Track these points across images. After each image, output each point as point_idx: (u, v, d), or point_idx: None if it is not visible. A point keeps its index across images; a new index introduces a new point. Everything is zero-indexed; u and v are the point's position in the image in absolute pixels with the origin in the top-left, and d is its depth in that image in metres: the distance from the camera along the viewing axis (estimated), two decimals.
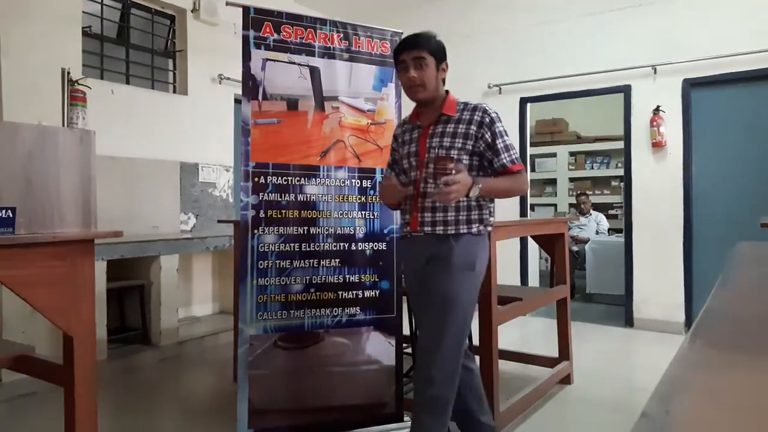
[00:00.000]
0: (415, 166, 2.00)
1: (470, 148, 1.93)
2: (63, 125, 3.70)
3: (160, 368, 3.75)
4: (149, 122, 4.39)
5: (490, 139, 1.93)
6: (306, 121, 2.54)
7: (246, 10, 2.47)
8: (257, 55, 2.47)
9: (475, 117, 1.94)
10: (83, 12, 4.05)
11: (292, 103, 2.52)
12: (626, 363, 4.03)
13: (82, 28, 4.02)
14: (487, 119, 1.94)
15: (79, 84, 3.80)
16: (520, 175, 1.98)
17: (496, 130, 1.94)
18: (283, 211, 2.46)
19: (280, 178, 2.47)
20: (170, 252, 4.03)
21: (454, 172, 1.79)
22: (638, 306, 4.82)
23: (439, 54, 1.98)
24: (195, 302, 4.94)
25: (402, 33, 2.76)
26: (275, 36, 2.50)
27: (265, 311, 2.42)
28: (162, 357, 3.92)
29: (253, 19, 2.47)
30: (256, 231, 2.41)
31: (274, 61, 2.50)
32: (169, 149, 4.54)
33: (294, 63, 2.53)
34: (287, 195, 2.47)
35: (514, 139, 5.39)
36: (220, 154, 5.00)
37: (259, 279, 2.41)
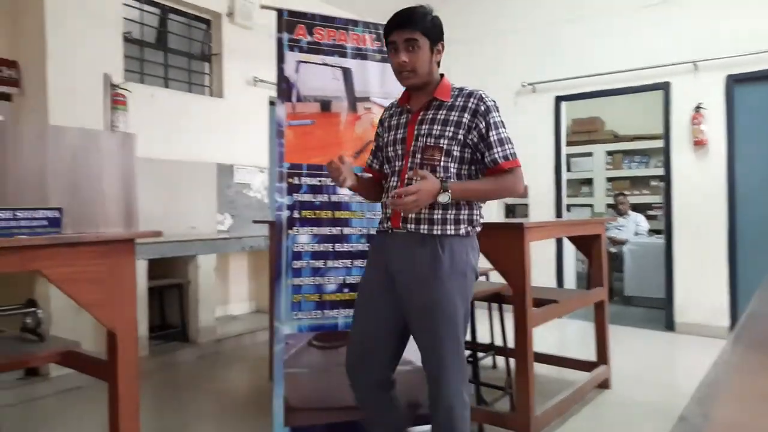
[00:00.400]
0: (400, 155, 1.80)
1: (462, 138, 1.73)
2: (105, 128, 3.83)
3: (199, 365, 3.84)
4: (187, 125, 4.50)
5: (484, 130, 1.72)
6: (339, 122, 2.56)
7: (280, 13, 2.50)
8: (291, 57, 2.50)
9: (470, 104, 1.74)
10: (124, 18, 4.19)
11: (326, 105, 2.55)
12: (667, 368, 3.92)
13: (123, 33, 4.15)
14: (483, 107, 1.73)
15: (120, 88, 3.92)
16: (512, 174, 1.75)
17: (492, 120, 1.73)
18: (317, 212, 2.49)
19: (313, 178, 2.49)
20: (207, 252, 4.13)
21: (414, 179, 1.63)
22: (680, 309, 4.68)
23: (434, 34, 1.75)
24: (232, 301, 5.04)
25: None
26: (308, 38, 2.53)
27: (300, 310, 2.45)
28: (200, 354, 4.01)
29: (287, 21, 2.51)
30: (290, 231, 2.44)
31: (308, 63, 2.53)
32: (205, 151, 4.64)
33: (327, 65, 2.55)
34: (321, 195, 2.50)
35: (547, 138, 5.33)
36: (255, 155, 5.09)
37: (294, 278, 2.44)
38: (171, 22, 4.71)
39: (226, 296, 4.97)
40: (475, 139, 1.74)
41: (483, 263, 2.70)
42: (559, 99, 5.32)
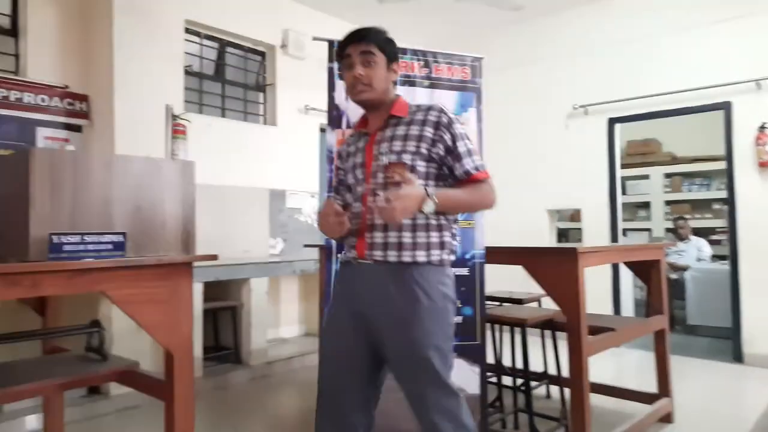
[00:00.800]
0: (362, 180, 1.67)
1: (426, 152, 1.61)
2: (166, 156, 4.02)
3: (251, 387, 3.90)
4: (242, 152, 4.67)
5: (450, 142, 1.61)
6: None
7: (330, 43, 2.58)
8: (341, 86, 2.56)
9: (430, 117, 1.63)
10: (185, 53, 4.42)
11: None
12: (734, 401, 3.67)
13: (184, 67, 4.38)
14: (445, 119, 1.63)
15: (180, 118, 4.12)
16: (485, 185, 1.63)
17: (457, 132, 1.63)
18: None
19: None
20: (260, 275, 4.22)
21: (402, 182, 1.50)
22: (748, 340, 4.40)
23: (391, 51, 1.69)
24: (283, 323, 5.11)
25: (483, 58, 2.77)
26: None
27: None
28: (252, 376, 4.07)
29: (338, 52, 2.57)
30: (338, 255, 2.47)
31: None
32: (259, 177, 4.79)
33: None
34: None
35: (601, 161, 5.19)
36: (306, 181, 5.20)
37: None
38: (228, 54, 4.93)
39: (278, 319, 5.05)
40: (441, 152, 1.62)
41: (534, 288, 2.64)
42: (612, 121, 5.19)
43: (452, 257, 1.67)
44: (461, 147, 1.62)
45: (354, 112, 2.56)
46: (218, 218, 4.40)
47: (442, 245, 1.62)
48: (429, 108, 1.66)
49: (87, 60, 4.02)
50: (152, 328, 1.80)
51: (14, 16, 3.79)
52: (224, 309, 4.25)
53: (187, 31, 4.47)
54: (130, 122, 3.91)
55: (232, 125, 4.71)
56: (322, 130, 5.18)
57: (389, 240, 1.58)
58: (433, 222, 1.60)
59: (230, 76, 4.97)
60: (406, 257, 1.57)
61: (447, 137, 1.61)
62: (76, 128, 3.95)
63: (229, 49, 4.93)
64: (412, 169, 1.58)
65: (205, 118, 4.52)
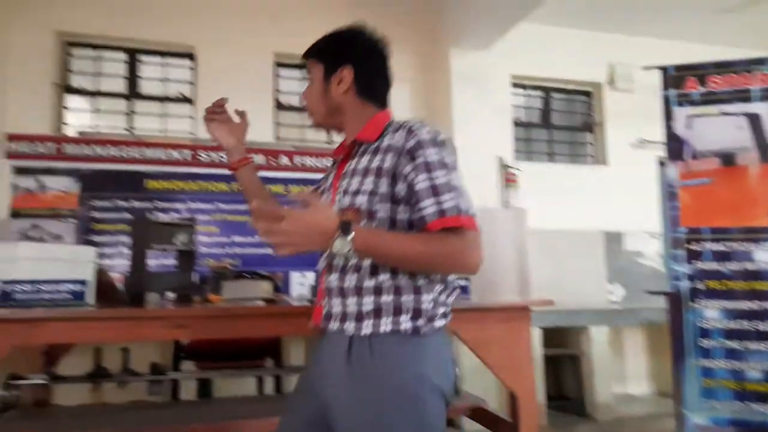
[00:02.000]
0: None
1: (387, 191, 1.13)
2: (500, 205, 4.29)
3: None
4: (571, 195, 4.63)
5: (411, 174, 1.11)
6: (746, 177, 2.19)
7: (664, 70, 2.38)
8: (680, 113, 2.32)
9: (395, 141, 1.15)
10: (512, 105, 4.71)
11: (728, 159, 2.23)
12: None
13: (512, 119, 4.66)
14: (412, 142, 1.12)
15: (511, 168, 4.37)
16: (458, 236, 1.08)
17: (421, 159, 1.11)
18: (727, 282, 2.14)
19: (718, 243, 2.17)
20: (598, 323, 4.01)
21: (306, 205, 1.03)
22: None
23: (330, 55, 1.26)
24: (629, 378, 4.69)
25: None
26: (700, 89, 2.30)
27: (714, 398, 2.10)
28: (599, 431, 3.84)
29: (673, 77, 2.35)
30: (692, 304, 2.17)
31: (701, 116, 2.29)
32: (591, 219, 4.63)
33: (726, 114, 2.26)
34: (731, 263, 2.15)
35: None
36: (644, 221, 4.76)
37: (703, 360, 2.13)
38: (553, 100, 5.03)
39: (622, 372, 4.66)
40: (404, 191, 1.13)
41: None
42: None
43: (437, 324, 1.14)
44: (422, 182, 1.10)
45: (699, 140, 2.27)
46: (552, 263, 4.41)
47: (416, 311, 1.12)
48: (400, 126, 1.18)
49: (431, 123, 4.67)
50: (497, 368, 1.91)
51: None
52: (564, 357, 4.17)
53: (514, 85, 4.76)
54: (468, 175, 4.31)
55: (560, 169, 4.73)
56: (661, 164, 4.71)
57: (348, 306, 1.15)
58: (401, 277, 1.13)
59: (556, 121, 5.04)
60: (364, 329, 1.12)
61: (408, 168, 1.12)
62: None
63: (554, 95, 5.03)
64: (370, 214, 1.13)
65: (534, 165, 4.67)
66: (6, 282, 1.58)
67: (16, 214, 3.50)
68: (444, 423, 1.13)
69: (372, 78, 1.28)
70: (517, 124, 4.79)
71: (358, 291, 1.14)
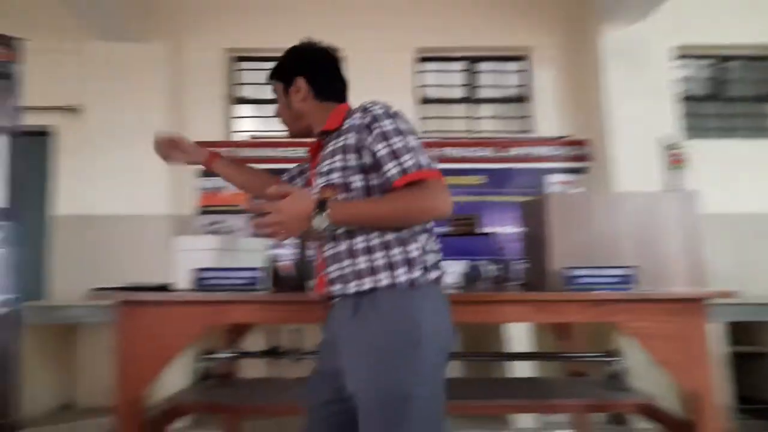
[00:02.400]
0: None
1: (356, 164, 1.31)
2: (664, 189, 3.89)
3: None
4: (754, 173, 4.07)
5: (371, 145, 1.30)
6: None
7: None
8: None
9: (355, 121, 1.33)
10: (675, 79, 4.24)
11: None
12: None
13: (676, 94, 4.20)
14: (368, 118, 1.31)
15: (676, 147, 3.95)
16: (419, 187, 1.25)
17: (378, 131, 1.30)
18: None
19: None
20: None
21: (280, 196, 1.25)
22: None
23: (284, 72, 1.48)
24: None
25: None
26: None
27: None
28: None
29: None
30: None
31: None
32: None
33: None
34: None
35: None
36: None
37: None
38: (727, 70, 4.43)
39: None
40: (370, 161, 1.31)
41: None
42: None
43: (432, 275, 1.31)
44: (382, 149, 1.29)
45: None
46: (735, 251, 3.92)
47: (408, 262, 1.29)
48: (357, 110, 1.37)
49: (583, 107, 4.38)
50: (665, 363, 1.76)
51: (521, 86, 4.59)
52: (755, 355, 3.67)
53: (680, 57, 4.29)
54: (626, 158, 4.00)
55: (735, 145, 4.17)
56: None
57: (345, 270, 1.32)
58: (376, 239, 1.29)
59: (733, 92, 4.43)
60: (366, 284, 1.28)
61: (369, 140, 1.30)
62: (579, 171, 4.34)
63: (728, 64, 4.42)
64: (346, 187, 1.32)
65: (703, 142, 4.16)
66: (199, 270, 1.82)
67: (201, 211, 4.12)
68: (443, 372, 1.27)
69: (325, 81, 1.48)
70: (686, 98, 4.31)
71: (351, 253, 1.31)
